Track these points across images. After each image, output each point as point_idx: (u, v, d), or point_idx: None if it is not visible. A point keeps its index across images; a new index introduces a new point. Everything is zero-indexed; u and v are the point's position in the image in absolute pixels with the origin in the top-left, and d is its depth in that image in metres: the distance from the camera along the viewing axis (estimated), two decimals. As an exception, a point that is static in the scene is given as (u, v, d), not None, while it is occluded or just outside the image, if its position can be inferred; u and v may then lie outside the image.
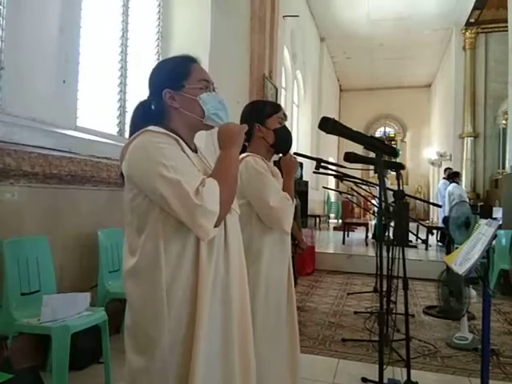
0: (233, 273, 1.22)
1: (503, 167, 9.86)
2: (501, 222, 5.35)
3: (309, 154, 2.31)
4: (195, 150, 1.30)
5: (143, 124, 1.20)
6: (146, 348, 1.14)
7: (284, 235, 1.79)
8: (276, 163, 1.93)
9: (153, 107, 1.28)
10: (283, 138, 1.84)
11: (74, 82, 3.17)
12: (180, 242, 1.14)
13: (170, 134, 1.18)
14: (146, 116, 1.25)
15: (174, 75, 1.26)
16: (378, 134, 17.37)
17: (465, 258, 1.99)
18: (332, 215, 14.20)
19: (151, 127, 1.18)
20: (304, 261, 5.86)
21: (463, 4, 10.12)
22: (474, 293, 3.15)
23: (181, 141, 1.19)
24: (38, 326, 2.16)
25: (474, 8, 10.22)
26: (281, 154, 1.88)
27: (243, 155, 1.73)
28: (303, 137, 11.48)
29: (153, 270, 1.12)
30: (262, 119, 1.81)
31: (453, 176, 7.96)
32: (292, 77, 10.44)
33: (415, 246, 7.62)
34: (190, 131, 1.28)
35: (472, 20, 10.87)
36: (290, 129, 1.95)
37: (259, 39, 6.16)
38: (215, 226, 1.12)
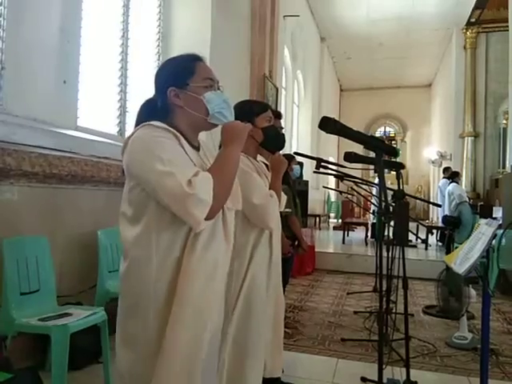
0: (220, 267, 1.24)
1: (503, 167, 9.85)
2: (501, 222, 5.34)
3: (309, 154, 2.32)
4: (198, 148, 1.30)
5: (148, 121, 1.21)
6: (135, 340, 1.16)
7: (268, 234, 1.79)
8: None
9: (159, 104, 1.29)
10: (272, 137, 1.87)
11: (75, 82, 3.18)
12: (172, 234, 1.15)
13: (170, 128, 1.19)
14: (152, 113, 1.26)
15: (179, 74, 1.27)
16: (378, 134, 17.31)
17: (464, 257, 1.99)
18: (332, 215, 14.19)
19: (152, 122, 1.19)
20: (304, 260, 5.86)
21: (464, 4, 10.09)
22: (473, 292, 3.15)
23: (180, 136, 1.20)
24: (38, 326, 2.16)
25: (475, 7, 10.20)
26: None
27: None
28: (303, 136, 11.45)
29: (143, 262, 1.15)
30: (251, 118, 1.82)
31: (453, 176, 7.95)
32: (292, 77, 10.42)
33: (415, 246, 7.62)
34: (192, 129, 1.29)
35: (473, 19, 10.84)
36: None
37: (259, 39, 6.15)
38: (208, 219, 1.12)
